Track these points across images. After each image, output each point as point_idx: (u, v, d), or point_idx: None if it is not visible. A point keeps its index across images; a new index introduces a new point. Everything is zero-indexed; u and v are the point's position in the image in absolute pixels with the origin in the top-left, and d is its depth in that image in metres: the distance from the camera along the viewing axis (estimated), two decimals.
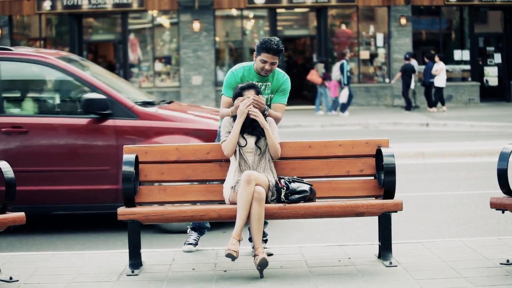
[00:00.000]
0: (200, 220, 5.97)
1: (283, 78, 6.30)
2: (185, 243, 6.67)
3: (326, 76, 24.51)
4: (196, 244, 6.65)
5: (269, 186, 5.83)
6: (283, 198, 5.81)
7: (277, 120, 6.23)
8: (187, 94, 26.60)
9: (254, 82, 6.15)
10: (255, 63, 6.21)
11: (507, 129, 18.65)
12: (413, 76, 24.76)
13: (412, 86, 24.98)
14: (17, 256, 6.61)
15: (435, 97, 24.93)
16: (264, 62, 6.11)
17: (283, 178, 5.90)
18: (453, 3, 27.39)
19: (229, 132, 6.04)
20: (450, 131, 19.19)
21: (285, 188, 5.82)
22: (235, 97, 6.10)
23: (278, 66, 6.31)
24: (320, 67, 24.74)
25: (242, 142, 6.05)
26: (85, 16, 27.57)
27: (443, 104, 24.88)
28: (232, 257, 5.59)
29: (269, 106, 6.25)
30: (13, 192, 5.65)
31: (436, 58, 24.86)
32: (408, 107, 24.87)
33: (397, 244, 6.49)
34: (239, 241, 5.67)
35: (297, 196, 5.82)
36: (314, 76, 24.63)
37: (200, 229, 6.73)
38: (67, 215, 9.46)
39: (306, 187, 5.87)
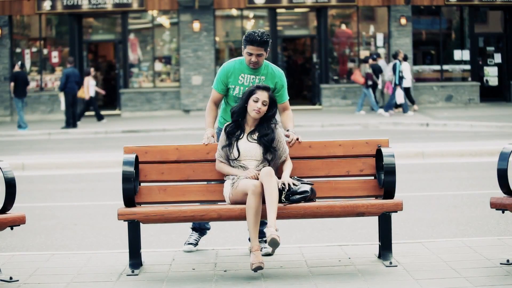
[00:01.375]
0: (200, 220, 5.96)
1: (278, 72, 6.34)
2: (185, 243, 6.67)
3: (369, 77, 24.43)
4: (196, 244, 6.66)
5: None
6: (284, 199, 5.80)
7: (290, 115, 6.44)
8: (187, 94, 26.60)
9: (267, 85, 6.09)
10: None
11: (507, 129, 18.65)
12: (380, 76, 24.72)
13: (380, 86, 25.00)
14: (17, 256, 6.61)
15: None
16: (250, 54, 6.19)
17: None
18: (453, 3, 27.38)
19: (225, 147, 6.00)
20: (450, 131, 19.19)
21: (286, 189, 5.81)
22: (248, 94, 6.01)
23: (278, 65, 6.34)
24: (364, 67, 24.61)
25: (235, 154, 6.01)
26: (85, 16, 27.56)
27: (412, 102, 25.11)
28: (261, 268, 5.61)
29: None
30: (13, 192, 5.65)
31: (400, 58, 25.01)
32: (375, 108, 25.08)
33: (397, 244, 6.49)
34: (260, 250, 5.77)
35: (298, 196, 5.81)
36: (357, 76, 24.51)
37: (201, 230, 6.73)
38: (66, 215, 9.46)
39: (307, 188, 5.86)
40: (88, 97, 23.56)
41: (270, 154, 6.00)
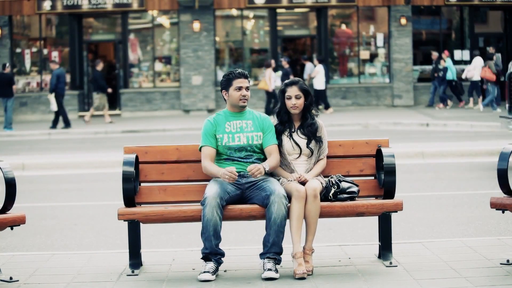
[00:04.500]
0: (200, 221, 5.95)
1: (263, 115, 6.13)
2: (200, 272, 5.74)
3: (500, 73, 24.33)
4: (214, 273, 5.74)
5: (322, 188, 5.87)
6: (331, 196, 5.83)
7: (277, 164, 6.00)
8: (187, 94, 26.60)
9: (295, 79, 6.12)
10: (229, 99, 6.00)
11: (507, 129, 18.61)
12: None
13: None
14: (17, 256, 6.61)
15: (319, 100, 25.13)
16: (240, 88, 5.95)
17: (332, 177, 5.94)
18: (453, 3, 27.38)
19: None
20: (450, 131, 19.19)
21: (335, 186, 5.84)
22: (281, 95, 6.04)
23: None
24: (492, 63, 24.38)
25: (287, 149, 6.01)
26: (85, 16, 27.56)
27: (327, 107, 24.98)
28: (304, 279, 5.62)
29: (261, 146, 6.00)
30: (13, 192, 5.64)
31: (315, 61, 24.96)
32: None
33: (397, 244, 6.49)
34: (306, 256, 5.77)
35: (345, 195, 5.86)
36: (487, 73, 24.26)
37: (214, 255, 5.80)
38: (66, 215, 9.46)
39: (355, 188, 5.91)
40: (271, 89, 23.52)
41: (316, 143, 6.00)
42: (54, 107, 22.14)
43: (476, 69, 24.50)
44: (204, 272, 5.63)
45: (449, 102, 25.31)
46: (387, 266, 5.89)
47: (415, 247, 6.54)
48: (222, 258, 5.79)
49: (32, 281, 5.71)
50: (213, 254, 5.70)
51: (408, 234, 7.76)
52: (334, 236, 7.82)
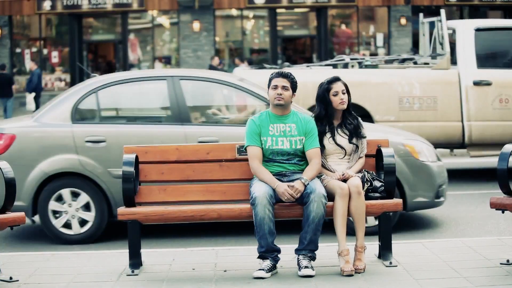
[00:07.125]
0: (200, 220, 5.95)
1: (307, 117, 6.07)
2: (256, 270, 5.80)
3: None
4: (269, 271, 5.78)
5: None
6: (364, 192, 5.84)
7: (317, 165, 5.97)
8: None
9: (336, 76, 6.09)
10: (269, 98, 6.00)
11: None
12: None
13: None
14: (17, 256, 6.61)
15: None
16: (276, 87, 5.92)
17: (366, 174, 5.95)
18: (453, 3, 27.41)
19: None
20: None
21: (368, 183, 5.88)
22: (325, 93, 5.98)
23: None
24: None
25: (329, 149, 6.02)
26: (85, 16, 27.57)
27: None
28: (352, 276, 5.65)
29: (303, 149, 5.96)
30: (13, 192, 5.65)
31: (245, 62, 24.95)
32: None
33: (397, 244, 6.49)
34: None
35: (377, 194, 5.90)
36: None
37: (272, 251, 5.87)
38: None
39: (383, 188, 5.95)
40: None
41: (357, 139, 6.00)
42: (33, 107, 21.80)
43: None
44: (259, 270, 5.69)
45: None
46: (387, 266, 5.89)
47: (415, 247, 6.54)
48: (278, 255, 5.85)
49: (32, 281, 5.71)
50: (269, 251, 5.77)
51: (408, 234, 7.76)
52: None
